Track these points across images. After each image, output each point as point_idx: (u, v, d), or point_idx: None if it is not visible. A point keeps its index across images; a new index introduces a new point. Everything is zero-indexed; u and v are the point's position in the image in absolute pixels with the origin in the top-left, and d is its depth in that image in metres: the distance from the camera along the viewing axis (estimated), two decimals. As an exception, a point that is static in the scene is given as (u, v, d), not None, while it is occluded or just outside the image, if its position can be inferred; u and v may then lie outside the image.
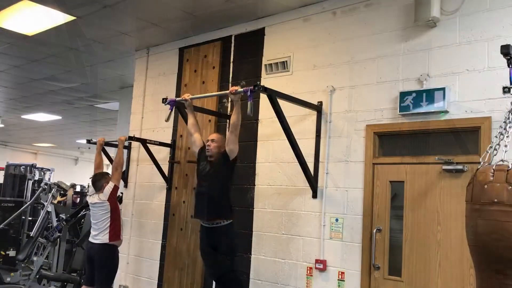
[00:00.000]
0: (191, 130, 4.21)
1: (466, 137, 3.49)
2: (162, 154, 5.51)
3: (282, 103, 3.86)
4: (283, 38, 4.70)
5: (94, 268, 4.93)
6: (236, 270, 4.06)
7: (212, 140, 4.04)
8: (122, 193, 6.23)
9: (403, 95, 3.72)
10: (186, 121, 4.47)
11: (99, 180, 5.07)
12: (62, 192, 9.26)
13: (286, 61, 4.59)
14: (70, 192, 8.71)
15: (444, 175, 3.51)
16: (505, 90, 2.64)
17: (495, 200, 2.09)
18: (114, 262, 5.08)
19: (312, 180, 4.14)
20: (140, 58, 6.21)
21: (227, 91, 3.87)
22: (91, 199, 5.06)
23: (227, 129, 4.96)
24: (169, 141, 5.51)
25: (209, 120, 5.07)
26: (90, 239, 5.02)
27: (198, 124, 4.27)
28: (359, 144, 3.98)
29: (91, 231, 5.06)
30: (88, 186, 12.99)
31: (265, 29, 4.86)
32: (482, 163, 2.29)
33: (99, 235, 4.93)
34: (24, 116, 11.76)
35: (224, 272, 3.95)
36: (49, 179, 10.77)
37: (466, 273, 3.32)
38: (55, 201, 8.89)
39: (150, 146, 5.29)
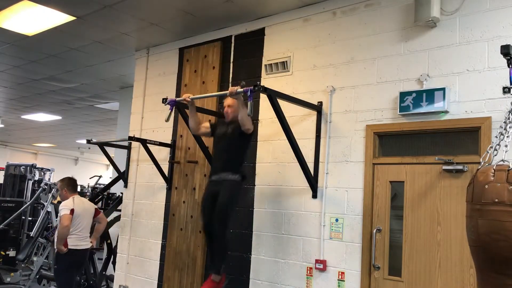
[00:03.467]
0: (199, 126, 4.28)
1: (466, 137, 3.49)
2: (162, 154, 5.51)
3: (282, 103, 3.86)
4: (283, 38, 4.70)
5: (78, 272, 5.25)
6: (228, 229, 4.02)
7: (229, 106, 4.08)
8: (122, 193, 6.24)
9: (403, 95, 3.72)
10: (186, 121, 4.47)
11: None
12: (62, 192, 9.25)
13: (286, 61, 4.59)
14: (70, 192, 8.70)
15: (444, 175, 3.51)
16: (505, 90, 2.65)
17: (496, 200, 2.09)
18: None
19: (312, 180, 4.14)
20: (140, 58, 6.21)
21: (227, 91, 3.87)
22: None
23: None
24: (169, 141, 5.51)
25: (209, 120, 5.06)
26: (80, 246, 5.15)
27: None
28: (359, 144, 3.98)
29: (80, 234, 5.16)
30: (88, 186, 13.02)
31: (265, 29, 4.86)
32: (482, 163, 2.29)
33: (87, 239, 5.26)
34: (24, 116, 11.76)
35: (218, 220, 3.87)
36: (49, 179, 10.79)
37: (466, 273, 3.32)
38: (55, 201, 8.90)
39: (150, 146, 5.29)
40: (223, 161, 4.02)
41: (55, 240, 5.18)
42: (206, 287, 3.96)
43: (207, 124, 4.34)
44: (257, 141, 4.71)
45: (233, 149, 4.01)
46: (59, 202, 9.03)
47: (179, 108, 4.39)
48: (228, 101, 4.11)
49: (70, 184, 5.43)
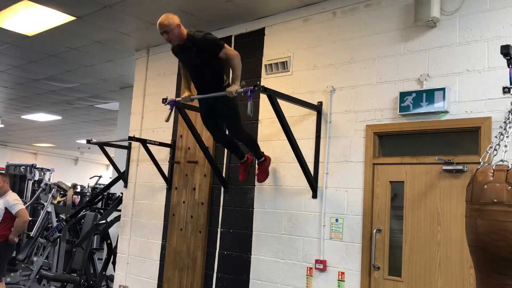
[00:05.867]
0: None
1: (466, 137, 3.49)
2: (162, 154, 5.51)
3: (282, 103, 3.86)
4: (283, 38, 4.70)
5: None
6: (242, 129, 4.12)
7: (166, 32, 3.72)
8: (122, 193, 6.24)
9: (403, 95, 3.72)
10: (186, 121, 4.47)
11: None
12: (62, 192, 9.26)
13: (286, 61, 4.59)
14: (70, 192, 8.72)
15: (444, 175, 3.51)
16: (505, 90, 2.64)
17: (495, 200, 2.09)
18: None
19: (312, 180, 4.14)
20: (140, 58, 6.21)
21: (226, 91, 3.87)
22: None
23: None
24: (169, 141, 5.51)
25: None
26: None
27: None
28: (359, 144, 3.98)
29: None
30: (88, 186, 13.01)
31: (265, 29, 4.86)
32: (482, 163, 2.29)
33: None
34: (24, 116, 11.76)
35: (235, 131, 4.08)
36: (49, 179, 10.78)
37: (466, 273, 3.32)
38: (55, 201, 8.90)
39: (150, 146, 5.29)
40: (207, 85, 3.91)
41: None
42: (260, 171, 4.33)
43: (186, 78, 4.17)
44: (257, 141, 4.70)
45: (209, 73, 3.88)
46: (59, 202, 9.10)
47: (179, 108, 4.39)
48: (161, 25, 3.73)
49: (8, 179, 6.01)
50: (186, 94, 4.13)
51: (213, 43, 3.76)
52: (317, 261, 4.04)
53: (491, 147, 2.41)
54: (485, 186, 2.13)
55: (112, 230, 6.77)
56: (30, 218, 9.34)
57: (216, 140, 4.52)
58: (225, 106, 3.94)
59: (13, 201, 5.64)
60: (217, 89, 3.87)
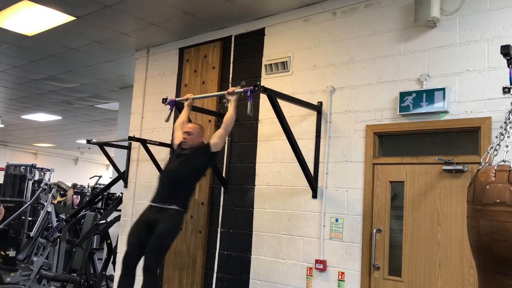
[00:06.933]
0: (178, 127, 4.22)
1: (466, 137, 3.49)
2: (162, 154, 5.51)
3: (282, 103, 3.86)
4: (283, 38, 4.70)
5: None
6: (160, 263, 3.86)
7: (188, 133, 4.01)
8: (122, 193, 6.24)
9: (403, 95, 3.72)
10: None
11: None
12: (62, 192, 9.27)
13: (286, 61, 4.59)
14: (70, 192, 8.72)
15: (444, 175, 3.51)
16: (505, 90, 2.64)
17: (497, 200, 2.09)
18: None
19: (312, 180, 4.14)
20: (140, 58, 6.20)
21: (225, 92, 3.87)
22: None
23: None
24: (169, 141, 5.50)
25: (209, 120, 5.07)
26: None
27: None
28: (359, 144, 3.98)
29: None
30: (88, 186, 13.01)
31: (265, 29, 4.86)
32: (482, 163, 2.29)
33: None
34: (24, 116, 11.76)
35: (153, 253, 3.67)
36: (49, 179, 10.78)
37: (466, 273, 3.32)
38: (55, 201, 8.90)
39: (150, 146, 5.29)
40: (171, 188, 3.89)
41: None
42: None
43: (180, 134, 4.13)
44: (257, 141, 4.70)
45: (185, 178, 3.91)
46: (59, 202, 9.10)
47: (179, 108, 4.39)
48: (188, 127, 4.04)
49: None
50: (188, 94, 4.15)
51: (206, 147, 3.98)
52: (317, 261, 4.04)
53: (491, 148, 2.41)
54: (487, 187, 2.13)
55: (112, 230, 6.77)
56: (30, 218, 9.38)
57: (127, 257, 3.94)
58: (165, 222, 3.71)
59: None
60: (177, 199, 3.82)
